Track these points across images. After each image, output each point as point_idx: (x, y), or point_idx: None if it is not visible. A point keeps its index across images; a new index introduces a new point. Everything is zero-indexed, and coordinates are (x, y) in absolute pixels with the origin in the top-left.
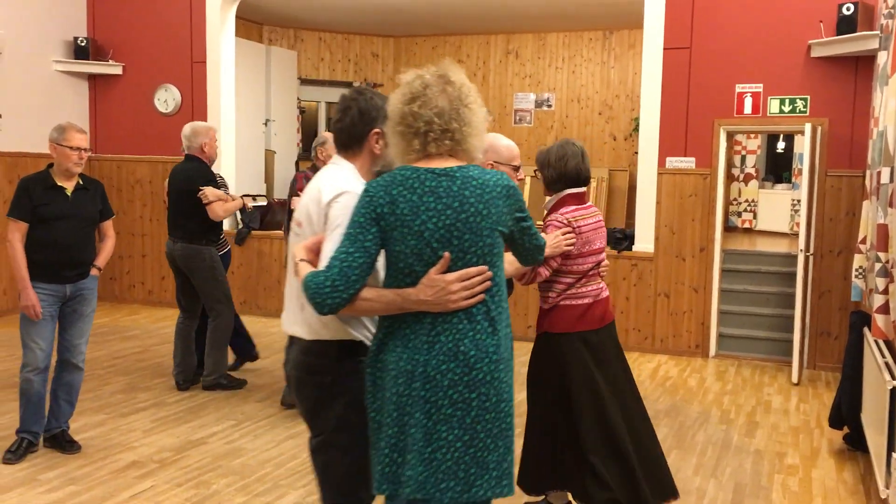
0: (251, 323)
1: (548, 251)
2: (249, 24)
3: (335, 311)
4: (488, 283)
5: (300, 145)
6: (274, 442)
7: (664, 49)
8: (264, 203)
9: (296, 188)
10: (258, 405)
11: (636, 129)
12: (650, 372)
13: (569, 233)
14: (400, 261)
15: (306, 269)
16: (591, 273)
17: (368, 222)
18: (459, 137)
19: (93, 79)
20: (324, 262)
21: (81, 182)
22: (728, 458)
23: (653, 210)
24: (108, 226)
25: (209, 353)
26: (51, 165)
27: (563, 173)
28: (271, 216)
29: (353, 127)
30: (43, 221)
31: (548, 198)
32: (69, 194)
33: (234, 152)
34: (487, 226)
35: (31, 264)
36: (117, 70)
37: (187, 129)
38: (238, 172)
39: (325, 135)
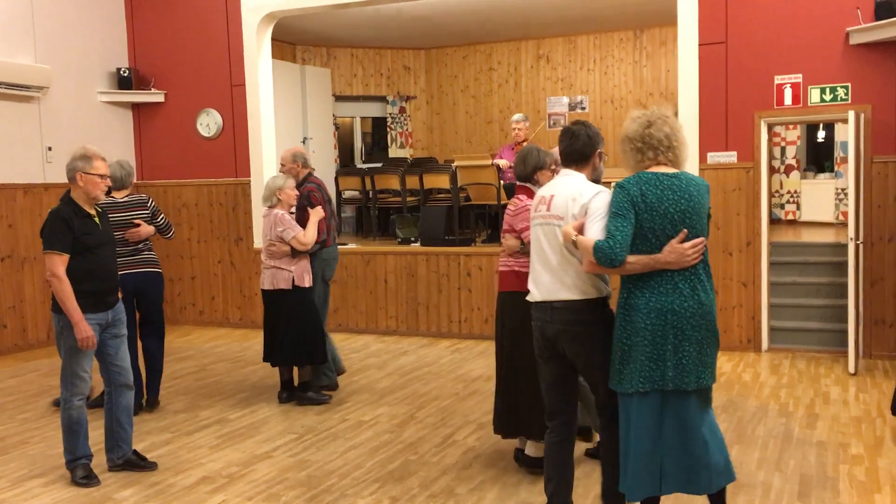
0: None
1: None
2: (283, 45)
3: (615, 266)
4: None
5: (338, 161)
6: (336, 453)
7: (699, 45)
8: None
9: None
10: (317, 418)
11: None
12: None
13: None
14: (649, 234)
15: (587, 240)
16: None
17: (628, 208)
18: (677, 153)
19: (136, 107)
20: (594, 236)
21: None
22: (791, 451)
23: None
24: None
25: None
26: (67, 193)
27: (522, 170)
28: None
29: (585, 147)
30: (87, 251)
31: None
32: (97, 221)
33: (275, 172)
34: (702, 211)
35: (79, 295)
36: (159, 97)
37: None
38: None
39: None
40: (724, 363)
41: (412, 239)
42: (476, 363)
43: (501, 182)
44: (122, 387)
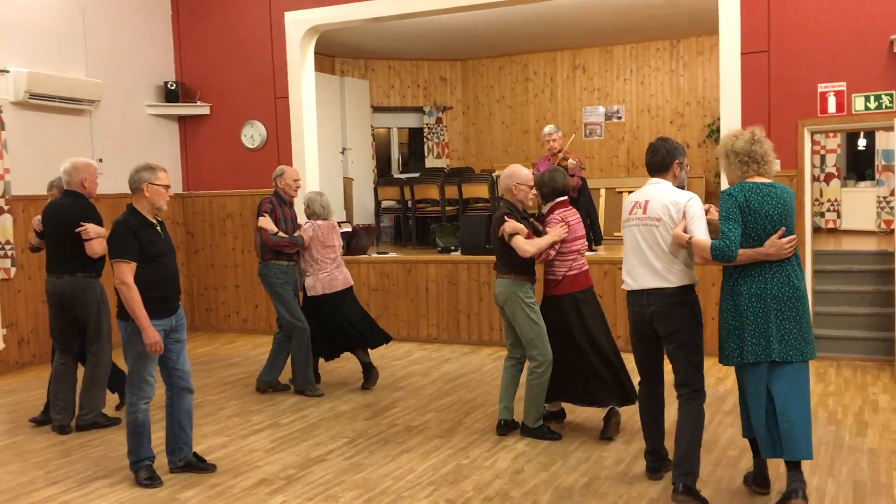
0: None
1: (551, 239)
2: (323, 58)
3: (730, 261)
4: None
5: (375, 171)
6: (390, 457)
7: (742, 54)
8: (349, 229)
9: (262, 210)
10: (367, 423)
11: (710, 135)
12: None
13: (563, 225)
14: (752, 233)
15: (702, 240)
16: (580, 252)
17: (736, 212)
18: (770, 166)
19: (182, 120)
20: (700, 235)
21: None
22: (843, 458)
23: None
24: None
25: (89, 391)
26: (131, 205)
27: (554, 188)
28: (356, 241)
29: (664, 160)
30: (153, 259)
31: (545, 206)
32: (160, 230)
33: (317, 182)
34: (792, 213)
35: (146, 301)
36: (205, 110)
37: (67, 164)
38: None
39: (283, 167)
40: None
41: (452, 248)
42: None
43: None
44: (184, 390)
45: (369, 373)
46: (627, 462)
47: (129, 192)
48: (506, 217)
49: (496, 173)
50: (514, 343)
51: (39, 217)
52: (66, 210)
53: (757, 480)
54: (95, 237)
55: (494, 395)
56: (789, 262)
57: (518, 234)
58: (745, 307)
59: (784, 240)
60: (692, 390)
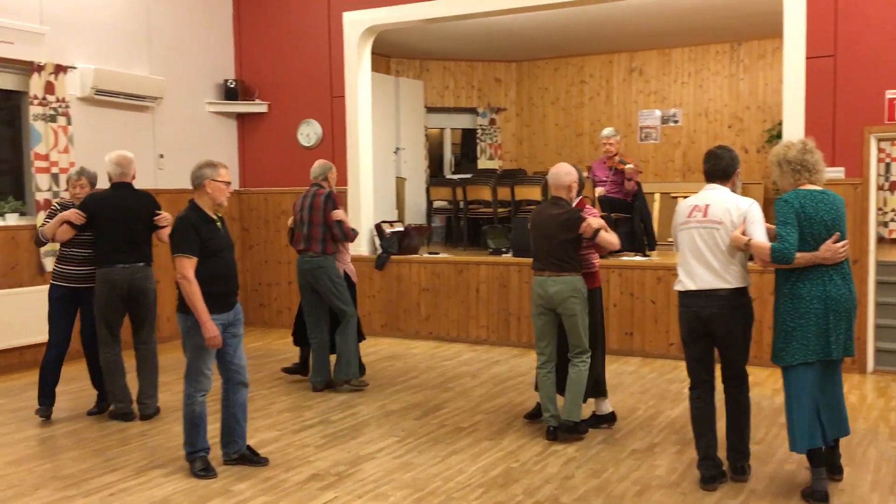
0: (393, 345)
1: (598, 224)
2: (379, 58)
3: (788, 264)
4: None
5: (428, 171)
6: (439, 457)
7: (807, 58)
8: (401, 228)
9: (337, 203)
10: (416, 422)
11: (770, 140)
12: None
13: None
14: (808, 237)
15: (763, 244)
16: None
17: (793, 217)
18: (821, 175)
19: (241, 117)
20: (760, 238)
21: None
22: None
23: None
24: None
25: (152, 379)
26: (192, 200)
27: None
28: (408, 241)
29: (728, 167)
30: (213, 255)
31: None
32: (220, 226)
33: (371, 181)
34: (844, 219)
35: (207, 296)
36: (263, 108)
37: (117, 157)
38: (374, 199)
39: (329, 162)
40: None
41: (503, 249)
42: None
43: (596, 195)
44: (239, 384)
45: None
46: (681, 472)
47: (187, 187)
48: (584, 215)
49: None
50: (548, 345)
51: (77, 211)
52: (137, 200)
53: (816, 495)
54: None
55: None
56: (843, 266)
57: (602, 228)
58: (805, 309)
59: (839, 244)
60: (742, 381)
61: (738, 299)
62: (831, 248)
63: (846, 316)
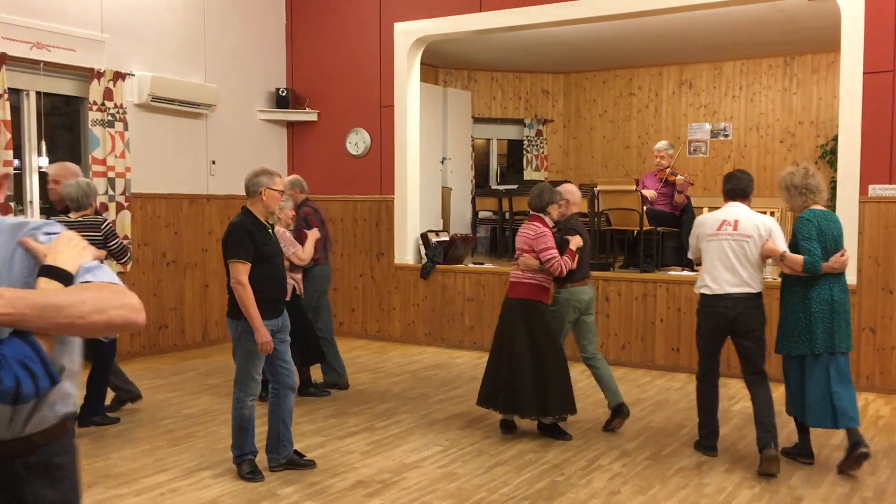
0: (436, 354)
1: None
2: (427, 68)
3: (817, 273)
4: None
5: (473, 181)
6: (483, 468)
7: (864, 73)
8: (446, 238)
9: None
10: (460, 432)
11: (823, 156)
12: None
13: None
14: (822, 251)
15: (796, 256)
16: (515, 262)
17: (815, 233)
18: (823, 195)
19: (291, 125)
20: (782, 250)
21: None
22: None
23: (854, 240)
24: None
25: None
26: (245, 207)
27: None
28: (453, 251)
29: (748, 187)
30: (266, 261)
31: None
32: (271, 233)
33: (417, 190)
34: (842, 234)
35: (258, 302)
36: (313, 117)
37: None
38: (420, 209)
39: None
40: (882, 406)
41: None
42: None
43: (644, 208)
44: (289, 388)
45: None
46: (729, 491)
47: (238, 193)
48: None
49: (598, 188)
50: (590, 340)
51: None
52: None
53: (803, 452)
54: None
55: (590, 410)
56: (842, 275)
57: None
58: (815, 310)
59: (845, 257)
60: (762, 376)
61: (757, 301)
62: (839, 261)
63: (845, 315)
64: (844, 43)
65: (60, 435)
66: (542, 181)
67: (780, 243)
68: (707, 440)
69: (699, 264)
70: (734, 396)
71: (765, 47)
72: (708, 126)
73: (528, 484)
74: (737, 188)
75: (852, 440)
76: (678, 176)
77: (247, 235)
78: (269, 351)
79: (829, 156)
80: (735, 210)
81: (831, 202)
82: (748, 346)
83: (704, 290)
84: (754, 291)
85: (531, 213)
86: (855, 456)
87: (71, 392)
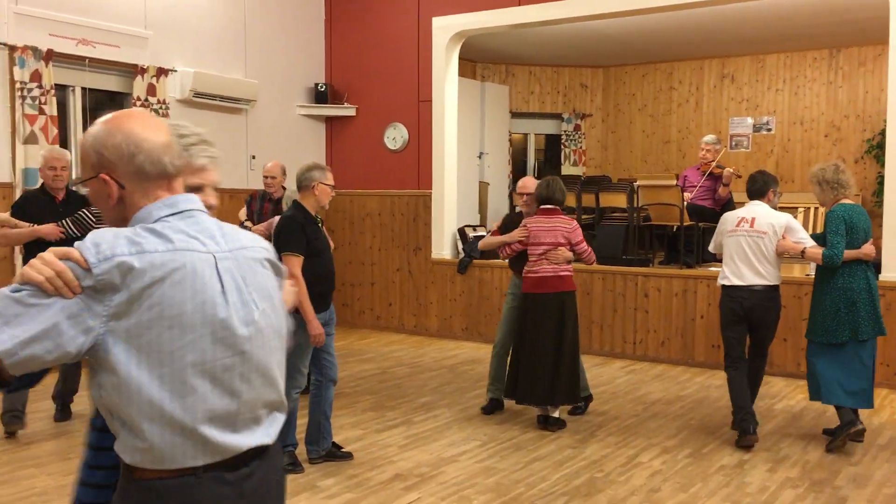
0: (474, 349)
1: (510, 238)
2: (465, 63)
3: (836, 266)
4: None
5: (511, 176)
6: (521, 463)
7: None
8: (484, 233)
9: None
10: (498, 427)
11: (869, 150)
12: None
13: (524, 230)
14: (852, 240)
15: (815, 250)
16: (541, 258)
17: (842, 227)
18: (852, 189)
19: (329, 120)
20: (809, 243)
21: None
22: None
23: None
24: None
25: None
26: (295, 202)
27: (538, 196)
28: None
29: (762, 187)
30: (317, 254)
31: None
32: (321, 227)
33: (455, 185)
34: (871, 226)
35: (310, 295)
36: (351, 112)
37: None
38: (457, 204)
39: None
40: None
41: None
42: (653, 386)
43: (685, 203)
44: (331, 381)
45: None
46: (772, 491)
47: None
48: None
49: (637, 183)
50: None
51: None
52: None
53: (853, 427)
54: None
55: (628, 408)
56: (871, 265)
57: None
58: (857, 298)
59: (873, 248)
60: (763, 357)
61: (774, 294)
62: (871, 250)
63: (876, 302)
64: (893, 35)
65: None
66: (554, 177)
67: (799, 235)
68: (743, 422)
69: (720, 259)
70: (777, 395)
71: (809, 40)
72: (750, 120)
73: (567, 480)
74: (754, 189)
75: (847, 419)
76: (725, 169)
77: (299, 229)
78: (320, 344)
79: (875, 150)
80: (754, 208)
81: (878, 196)
82: (761, 333)
83: (724, 282)
84: (768, 284)
85: (550, 206)
86: (852, 434)
87: None
